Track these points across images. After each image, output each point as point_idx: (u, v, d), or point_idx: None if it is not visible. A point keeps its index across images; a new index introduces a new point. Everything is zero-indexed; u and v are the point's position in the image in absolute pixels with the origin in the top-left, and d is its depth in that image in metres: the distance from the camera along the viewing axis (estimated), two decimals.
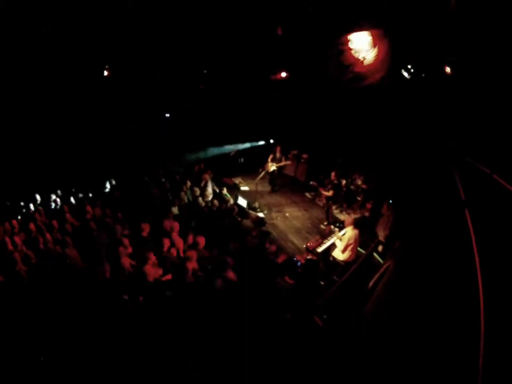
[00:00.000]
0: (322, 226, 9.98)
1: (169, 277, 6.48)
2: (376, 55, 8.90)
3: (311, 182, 11.43)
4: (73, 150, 12.07)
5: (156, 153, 13.01)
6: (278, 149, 11.55)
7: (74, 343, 4.99)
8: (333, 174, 10.25)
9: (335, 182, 10.20)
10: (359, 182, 10.79)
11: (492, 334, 2.71)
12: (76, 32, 9.19)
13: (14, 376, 4.58)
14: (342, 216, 10.54)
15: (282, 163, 11.60)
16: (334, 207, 10.72)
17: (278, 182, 12.17)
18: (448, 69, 7.18)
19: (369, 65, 9.10)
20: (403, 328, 3.76)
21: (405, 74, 8.69)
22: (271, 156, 11.65)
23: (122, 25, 9.26)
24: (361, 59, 9.16)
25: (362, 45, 9.04)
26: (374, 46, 8.88)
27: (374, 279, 5.79)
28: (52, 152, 11.43)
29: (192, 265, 6.34)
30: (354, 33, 8.95)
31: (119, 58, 11.11)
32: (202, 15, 8.96)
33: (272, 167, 11.49)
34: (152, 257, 6.38)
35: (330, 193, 9.91)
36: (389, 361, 3.52)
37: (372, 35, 8.78)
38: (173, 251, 7.13)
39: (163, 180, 11.11)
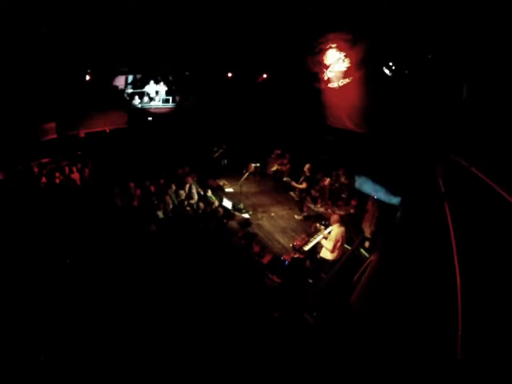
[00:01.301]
0: (296, 216, 10.35)
1: None
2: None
3: (284, 179, 11.48)
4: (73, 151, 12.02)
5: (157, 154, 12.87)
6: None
7: (73, 343, 4.95)
8: (306, 166, 10.36)
9: (308, 174, 10.30)
10: (343, 179, 10.85)
11: (468, 320, 2.77)
12: (77, 32, 9.15)
13: (14, 376, 4.50)
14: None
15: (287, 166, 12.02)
16: (319, 204, 10.86)
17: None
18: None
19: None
20: (386, 320, 3.80)
21: (386, 71, 8.78)
22: (278, 161, 12.20)
23: (123, 26, 9.26)
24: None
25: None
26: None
27: (358, 273, 5.84)
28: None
29: None
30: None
31: (119, 57, 11.07)
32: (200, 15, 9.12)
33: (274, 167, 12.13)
34: None
35: (303, 185, 10.08)
36: (375, 353, 3.55)
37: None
38: None
39: (147, 183, 10.97)
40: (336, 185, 10.94)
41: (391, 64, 8.64)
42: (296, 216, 10.41)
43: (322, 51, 10.05)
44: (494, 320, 2.74)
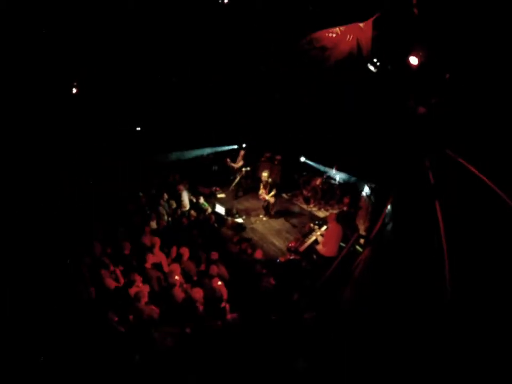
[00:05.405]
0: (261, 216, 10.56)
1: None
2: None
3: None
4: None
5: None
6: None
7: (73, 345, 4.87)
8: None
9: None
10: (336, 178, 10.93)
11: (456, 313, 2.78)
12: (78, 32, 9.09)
13: (14, 376, 4.41)
14: (321, 214, 10.64)
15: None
16: (311, 204, 10.93)
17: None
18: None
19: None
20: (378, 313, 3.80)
21: (371, 68, 8.80)
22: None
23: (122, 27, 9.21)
24: None
25: None
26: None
27: (352, 268, 5.85)
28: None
29: (177, 278, 6.23)
30: None
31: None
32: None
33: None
34: (138, 278, 6.21)
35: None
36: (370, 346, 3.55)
37: None
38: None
39: (140, 194, 10.82)
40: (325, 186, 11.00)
41: (375, 60, 8.65)
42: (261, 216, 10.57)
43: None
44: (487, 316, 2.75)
